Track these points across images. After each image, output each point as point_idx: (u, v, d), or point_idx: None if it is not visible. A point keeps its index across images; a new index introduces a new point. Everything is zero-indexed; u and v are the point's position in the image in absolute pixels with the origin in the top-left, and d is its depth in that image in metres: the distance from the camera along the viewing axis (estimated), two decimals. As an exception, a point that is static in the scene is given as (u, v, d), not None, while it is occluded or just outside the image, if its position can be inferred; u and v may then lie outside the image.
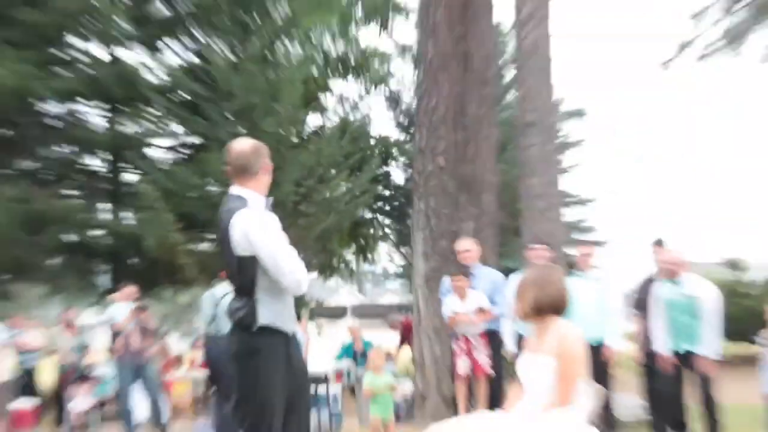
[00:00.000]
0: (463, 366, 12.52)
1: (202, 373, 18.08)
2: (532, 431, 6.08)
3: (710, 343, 11.62)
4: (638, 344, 13.17)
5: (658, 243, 13.00)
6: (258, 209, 6.43)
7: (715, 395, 11.84)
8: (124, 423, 15.76)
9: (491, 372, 12.49)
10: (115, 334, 16.16)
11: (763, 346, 11.92)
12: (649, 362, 12.82)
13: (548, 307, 6.31)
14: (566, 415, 6.15)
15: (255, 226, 6.26)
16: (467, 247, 13.35)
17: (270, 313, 6.28)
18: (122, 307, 16.11)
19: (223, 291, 13.70)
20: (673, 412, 12.32)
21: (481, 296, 12.72)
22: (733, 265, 27.07)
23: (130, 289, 16.77)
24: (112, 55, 25.53)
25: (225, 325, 11.86)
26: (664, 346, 11.96)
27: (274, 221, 6.37)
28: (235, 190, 6.64)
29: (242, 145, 6.74)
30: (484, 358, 12.48)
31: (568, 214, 34.95)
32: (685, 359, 11.87)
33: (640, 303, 13.12)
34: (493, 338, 12.89)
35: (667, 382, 12.00)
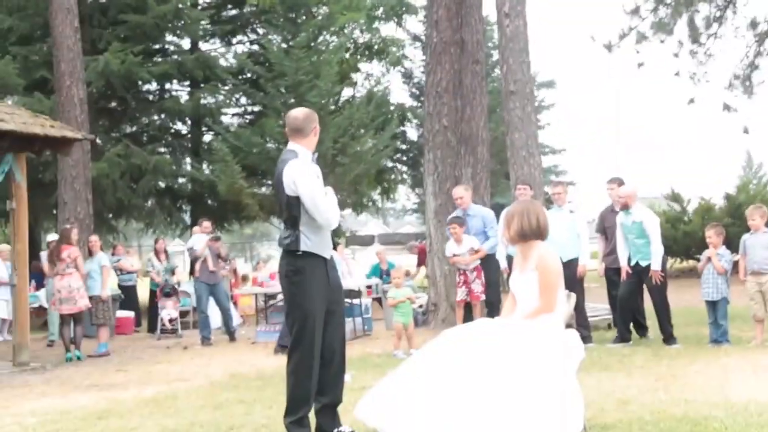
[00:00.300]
0: (461, 294, 12.54)
1: (263, 289, 17.98)
2: (522, 331, 5.97)
3: (655, 257, 11.52)
4: (602, 261, 13.02)
5: (614, 181, 12.84)
6: (305, 161, 6.36)
7: (665, 299, 11.74)
8: (201, 328, 15.64)
9: (483, 298, 12.49)
10: (194, 259, 16.04)
11: (701, 261, 11.74)
12: (611, 275, 12.72)
13: (530, 233, 6.19)
14: (549, 319, 6.07)
15: (300, 174, 6.22)
16: (460, 194, 13.26)
17: (310, 242, 6.25)
18: (200, 237, 15.95)
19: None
20: (633, 314, 12.28)
21: (473, 240, 12.66)
22: (675, 197, 26.87)
23: (206, 224, 16.60)
24: (195, 45, 26.21)
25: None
26: (624, 261, 11.87)
27: (315, 172, 6.35)
28: (290, 146, 6.53)
29: (298, 111, 6.62)
30: (478, 287, 12.48)
31: (545, 161, 34.91)
32: (639, 271, 11.78)
33: (601, 228, 13.00)
34: (490, 261, 12.78)
35: (626, 290, 11.92)
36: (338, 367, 6.47)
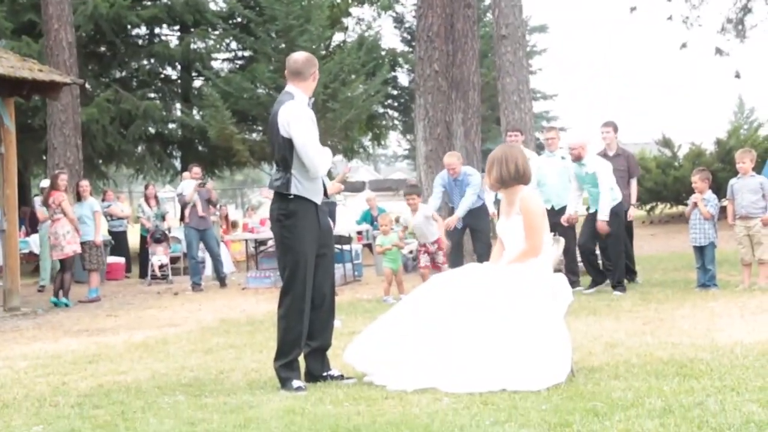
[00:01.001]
0: (423, 260, 12.34)
1: (254, 235, 18.01)
2: (509, 275, 6.02)
3: (602, 207, 11.38)
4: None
5: (608, 125, 12.79)
6: (301, 105, 6.31)
7: (617, 246, 11.60)
8: (192, 274, 15.69)
9: (446, 267, 12.09)
10: (184, 205, 15.99)
11: (688, 207, 11.74)
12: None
13: (509, 179, 6.20)
14: (536, 262, 6.11)
15: (295, 117, 6.19)
16: (453, 164, 12.74)
17: (301, 185, 6.22)
18: (190, 183, 15.90)
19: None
20: (594, 257, 12.14)
21: (426, 207, 12.42)
22: (666, 143, 26.85)
23: (196, 170, 16.57)
24: None
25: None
26: (570, 209, 11.78)
27: (310, 116, 6.31)
28: (288, 88, 6.44)
29: (299, 55, 6.56)
30: (440, 257, 12.27)
31: (536, 107, 34.78)
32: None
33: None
34: (481, 209, 12.76)
35: (583, 237, 11.86)
36: (328, 312, 6.47)
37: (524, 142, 12.86)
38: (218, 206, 18.97)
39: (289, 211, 6.22)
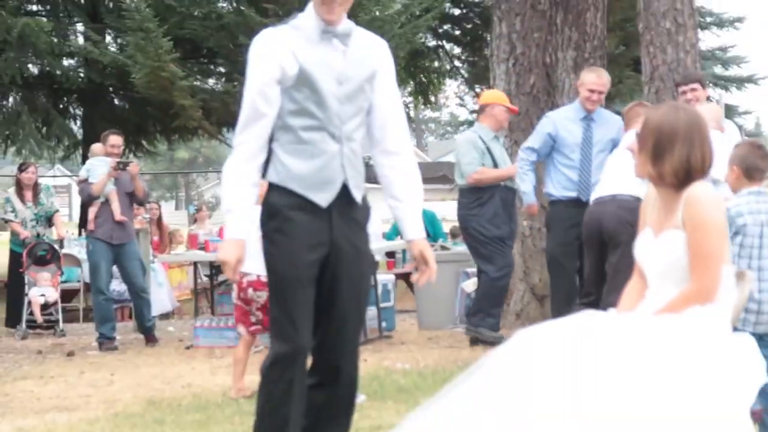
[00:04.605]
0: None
1: (207, 255, 18.01)
2: (662, 336, 5.84)
3: None
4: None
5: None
6: (295, 31, 6.32)
7: None
8: (99, 321, 15.67)
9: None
10: (89, 200, 15.92)
11: None
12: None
13: (693, 171, 6.00)
14: (707, 313, 5.94)
15: (249, 53, 6.31)
16: (595, 84, 12.81)
17: (284, 169, 6.31)
18: (101, 163, 15.87)
19: (468, 135, 14.09)
20: None
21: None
22: None
23: (115, 140, 16.32)
24: None
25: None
26: None
27: (267, 50, 6.27)
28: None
29: None
30: None
31: (708, 39, 34.68)
32: None
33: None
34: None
35: None
36: (344, 391, 6.51)
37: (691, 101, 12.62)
38: (147, 204, 19.02)
39: (270, 209, 6.34)
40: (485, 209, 13.40)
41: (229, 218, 6.17)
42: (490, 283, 13.53)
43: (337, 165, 6.29)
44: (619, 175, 11.87)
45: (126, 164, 15.93)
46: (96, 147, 16.60)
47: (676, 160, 5.94)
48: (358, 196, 6.42)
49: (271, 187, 6.27)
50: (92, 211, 15.74)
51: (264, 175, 6.27)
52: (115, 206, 15.53)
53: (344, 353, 6.44)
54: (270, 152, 6.26)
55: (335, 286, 6.34)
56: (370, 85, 6.40)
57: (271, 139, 6.27)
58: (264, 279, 11.68)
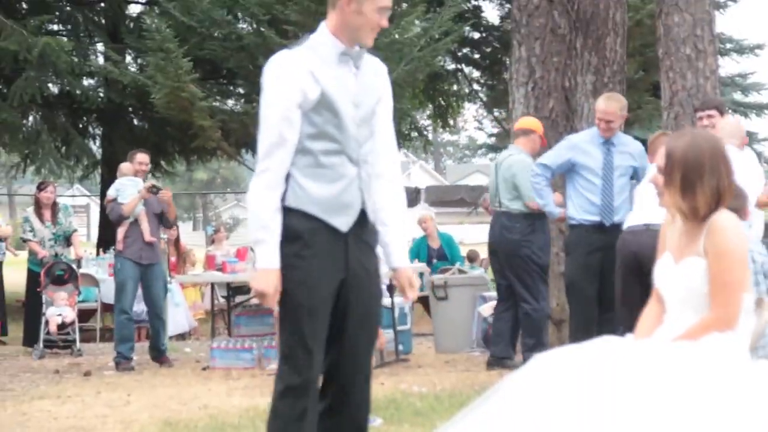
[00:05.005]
0: None
1: (225, 277, 18.00)
2: (681, 363, 5.83)
3: None
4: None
5: None
6: (313, 54, 6.27)
7: None
8: (119, 340, 15.67)
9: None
10: (118, 219, 15.86)
11: None
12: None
13: (728, 196, 6.05)
14: (727, 340, 5.96)
15: (265, 76, 6.29)
16: (610, 113, 12.84)
17: (303, 194, 6.23)
18: (132, 183, 15.86)
19: (506, 155, 14.10)
20: None
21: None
22: None
23: (142, 158, 16.43)
24: None
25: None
26: None
27: (285, 81, 6.19)
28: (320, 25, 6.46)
29: None
30: None
31: (727, 66, 34.74)
32: None
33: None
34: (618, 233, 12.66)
35: None
36: (357, 409, 6.48)
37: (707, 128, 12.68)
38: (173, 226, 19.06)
39: (288, 234, 6.23)
40: (537, 236, 13.40)
41: (261, 249, 6.10)
42: (536, 315, 13.55)
43: (356, 189, 6.27)
44: (650, 203, 11.92)
45: (158, 189, 15.95)
46: (124, 166, 16.53)
47: (707, 192, 5.99)
48: (372, 219, 6.41)
49: (288, 210, 6.18)
50: (121, 231, 15.70)
51: (284, 198, 6.18)
52: (145, 227, 15.56)
53: (356, 378, 6.42)
54: (288, 177, 6.20)
55: (347, 311, 6.31)
56: (377, 109, 6.42)
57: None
58: None
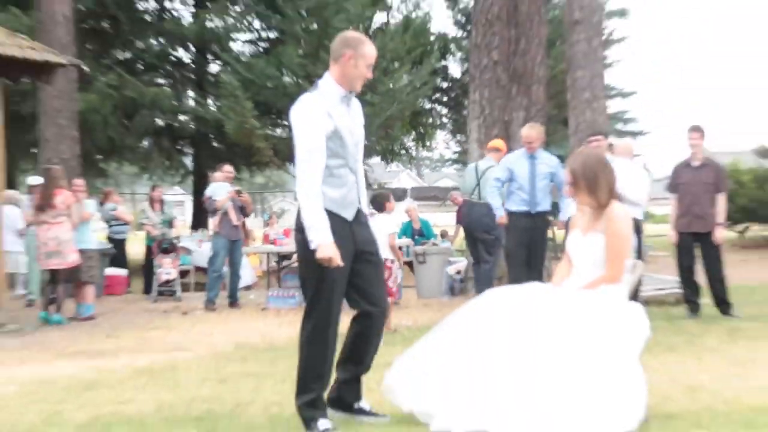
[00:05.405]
0: None
1: (276, 248, 18.12)
2: (580, 303, 6.04)
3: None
4: (674, 226, 12.93)
5: (696, 130, 12.78)
6: (318, 99, 6.19)
7: None
8: (209, 288, 15.83)
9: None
10: (213, 211, 16.08)
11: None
12: (686, 241, 12.75)
13: (611, 194, 6.29)
14: (613, 290, 6.18)
15: (296, 114, 6.15)
16: (530, 137, 12.86)
17: (326, 197, 6.14)
18: (222, 186, 15.99)
19: (486, 164, 13.75)
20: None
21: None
22: (763, 153, 26.44)
23: (228, 168, 16.63)
24: None
25: (486, 194, 12.67)
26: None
27: (315, 115, 6.12)
28: (324, 76, 6.40)
29: (342, 33, 6.49)
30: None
31: (611, 106, 34.75)
32: None
33: (674, 186, 12.92)
34: (543, 216, 12.73)
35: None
36: (375, 329, 6.49)
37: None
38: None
39: None
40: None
41: (318, 230, 6.01)
42: (490, 270, 13.66)
43: (355, 190, 6.32)
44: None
45: (241, 192, 16.28)
46: (217, 175, 16.73)
47: (604, 189, 6.26)
48: (364, 209, 6.47)
49: None
50: (216, 219, 16.01)
51: None
52: (233, 215, 15.78)
53: (380, 293, 6.46)
54: None
55: (364, 261, 6.34)
56: (361, 135, 6.41)
57: None
58: (389, 263, 11.90)
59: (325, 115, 6.12)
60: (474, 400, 5.81)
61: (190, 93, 26.37)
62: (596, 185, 6.26)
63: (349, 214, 6.30)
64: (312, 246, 6.06)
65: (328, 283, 6.18)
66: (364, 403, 6.49)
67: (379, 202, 12.12)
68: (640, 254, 11.97)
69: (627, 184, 12.31)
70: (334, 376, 6.46)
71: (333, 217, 6.18)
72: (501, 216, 12.70)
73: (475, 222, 13.59)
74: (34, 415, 6.99)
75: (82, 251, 14.30)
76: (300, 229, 6.21)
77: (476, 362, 5.93)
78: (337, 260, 6.05)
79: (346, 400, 6.43)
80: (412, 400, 6.18)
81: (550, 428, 5.55)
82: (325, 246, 6.02)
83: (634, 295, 11.82)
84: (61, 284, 14.00)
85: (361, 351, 6.46)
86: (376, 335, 6.47)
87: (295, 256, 17.85)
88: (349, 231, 6.29)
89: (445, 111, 32.62)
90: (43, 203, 13.91)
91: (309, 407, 6.18)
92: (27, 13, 20.85)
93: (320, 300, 6.21)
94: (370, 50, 6.33)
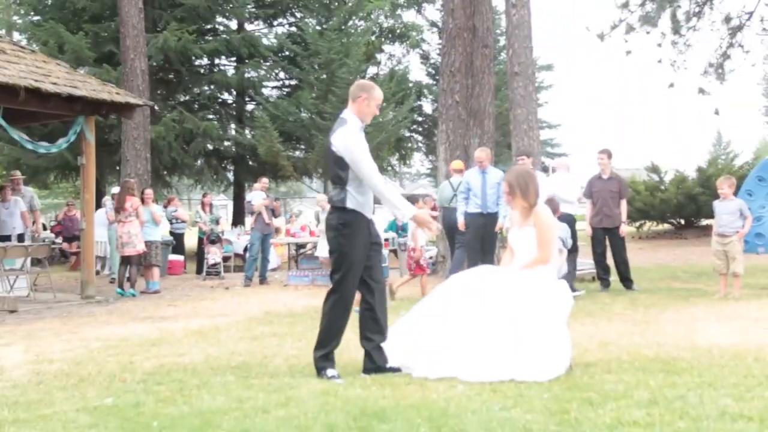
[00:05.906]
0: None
1: (295, 239, 18.13)
2: (523, 279, 6.06)
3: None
4: (589, 223, 12.92)
5: (603, 152, 12.92)
6: (352, 128, 6.21)
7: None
8: (247, 268, 15.76)
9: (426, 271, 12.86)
10: (251, 212, 16.15)
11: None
12: (598, 234, 12.74)
13: (536, 198, 6.26)
14: (545, 269, 6.15)
15: (350, 140, 6.12)
16: (481, 157, 12.76)
17: (355, 201, 6.15)
18: (259, 194, 15.91)
19: (457, 181, 13.49)
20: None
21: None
22: (654, 169, 26.87)
23: (265, 180, 16.70)
24: (241, 26, 26.27)
25: (458, 203, 12.66)
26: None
27: (361, 139, 6.21)
28: (343, 112, 6.40)
29: (358, 81, 6.56)
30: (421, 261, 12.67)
31: (543, 135, 34.82)
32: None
33: (589, 193, 12.97)
34: (491, 217, 12.55)
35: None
36: (383, 305, 6.39)
37: (532, 165, 12.81)
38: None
39: (346, 221, 6.15)
40: (470, 222, 12.98)
41: (403, 207, 6.14)
42: (461, 258, 13.45)
43: (371, 196, 6.25)
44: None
45: (275, 200, 16.36)
46: (256, 185, 16.77)
47: (533, 195, 6.22)
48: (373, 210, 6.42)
49: (346, 210, 6.13)
50: (253, 218, 16.01)
51: (345, 203, 6.15)
52: (266, 215, 15.73)
53: (380, 272, 6.40)
54: (346, 192, 6.13)
55: (373, 252, 6.30)
56: None
57: (345, 184, 6.14)
58: (415, 248, 12.33)
59: (363, 138, 6.25)
60: (444, 354, 5.86)
61: (232, 125, 26.43)
62: (527, 191, 6.24)
63: (369, 214, 6.28)
64: (406, 219, 6.32)
65: (354, 269, 6.17)
66: (392, 363, 6.23)
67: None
68: (575, 241, 12.05)
69: (563, 189, 12.49)
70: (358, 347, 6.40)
71: (358, 215, 6.18)
72: (461, 222, 12.65)
73: (453, 223, 13.47)
74: (113, 364, 6.97)
75: (149, 242, 14.46)
76: (337, 228, 6.21)
77: (447, 326, 5.96)
78: (431, 225, 6.29)
79: (378, 363, 6.24)
80: (405, 359, 6.12)
81: (503, 373, 5.65)
82: (420, 213, 6.27)
83: (572, 274, 11.92)
84: (134, 266, 14.10)
85: (376, 320, 6.31)
86: (381, 305, 6.35)
87: (309, 245, 17.87)
88: (367, 226, 6.26)
89: (420, 138, 32.60)
90: (118, 207, 14.27)
91: (323, 359, 6.17)
92: (115, 68, 21.11)
93: (345, 282, 6.17)
94: (379, 94, 6.43)
